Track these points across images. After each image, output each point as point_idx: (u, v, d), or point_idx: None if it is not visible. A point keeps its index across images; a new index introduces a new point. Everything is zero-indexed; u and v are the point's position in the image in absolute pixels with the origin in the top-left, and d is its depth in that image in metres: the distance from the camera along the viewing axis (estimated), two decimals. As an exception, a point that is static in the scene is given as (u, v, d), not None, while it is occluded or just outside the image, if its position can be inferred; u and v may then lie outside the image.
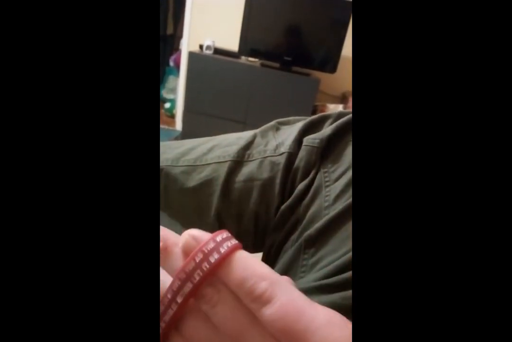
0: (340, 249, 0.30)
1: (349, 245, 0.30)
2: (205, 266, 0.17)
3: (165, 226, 0.37)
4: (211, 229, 0.38)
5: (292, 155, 0.37)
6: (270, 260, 0.36)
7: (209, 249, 0.17)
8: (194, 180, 0.38)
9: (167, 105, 3.24)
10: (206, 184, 0.38)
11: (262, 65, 2.45)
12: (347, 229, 0.31)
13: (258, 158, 0.38)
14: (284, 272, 0.33)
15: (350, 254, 0.28)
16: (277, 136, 0.40)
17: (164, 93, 3.32)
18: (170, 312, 0.17)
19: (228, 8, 2.60)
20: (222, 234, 0.18)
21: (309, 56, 2.44)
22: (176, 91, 3.10)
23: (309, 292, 0.28)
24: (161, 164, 0.39)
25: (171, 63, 3.33)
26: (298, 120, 0.41)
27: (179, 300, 0.17)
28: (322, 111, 2.48)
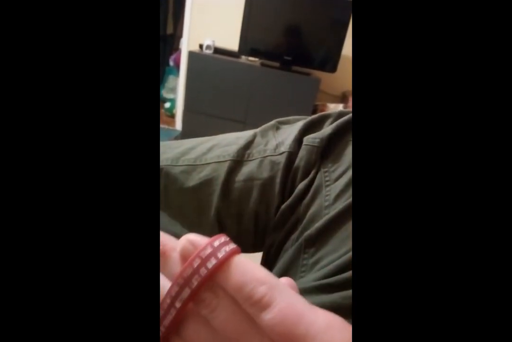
0: (340, 249, 0.30)
1: (349, 244, 0.30)
2: (203, 271, 0.17)
3: (165, 226, 0.37)
4: (211, 229, 0.38)
5: (292, 155, 0.37)
6: (270, 259, 0.36)
7: (206, 254, 0.17)
8: (194, 180, 0.38)
9: (167, 105, 3.24)
10: (206, 184, 0.38)
11: (262, 64, 2.45)
12: (347, 229, 0.31)
13: (258, 158, 0.38)
14: (284, 271, 0.33)
15: (350, 253, 0.28)
16: (277, 136, 0.40)
17: (164, 93, 3.32)
18: (169, 317, 0.17)
19: (228, 7, 2.60)
20: (220, 239, 0.18)
21: (309, 55, 2.44)
22: (176, 91, 3.10)
23: (309, 291, 0.28)
24: (161, 164, 0.39)
25: (171, 63, 3.33)
26: (298, 120, 0.41)
27: (177, 305, 0.17)
28: (322, 110, 2.48)
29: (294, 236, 0.34)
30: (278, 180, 0.36)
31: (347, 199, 0.32)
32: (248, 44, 2.42)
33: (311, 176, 0.36)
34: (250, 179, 0.37)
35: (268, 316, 0.16)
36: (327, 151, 0.36)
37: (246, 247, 0.39)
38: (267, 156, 0.38)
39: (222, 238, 0.18)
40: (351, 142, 0.36)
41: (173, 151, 0.41)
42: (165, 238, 0.20)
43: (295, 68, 2.42)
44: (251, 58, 2.56)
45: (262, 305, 0.16)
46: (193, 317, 0.18)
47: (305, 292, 0.28)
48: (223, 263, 0.17)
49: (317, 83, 2.36)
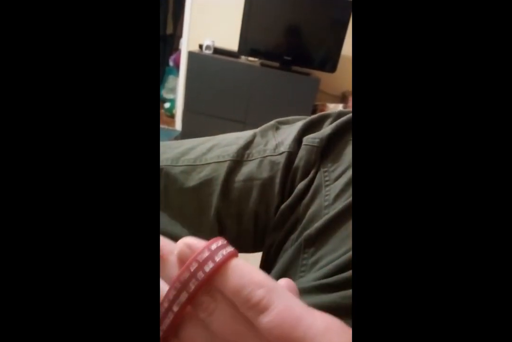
0: (340, 248, 0.30)
1: (349, 244, 0.30)
2: (200, 275, 0.17)
3: (165, 226, 0.37)
4: (211, 229, 0.38)
5: (292, 155, 0.37)
6: (270, 259, 0.36)
7: (203, 258, 0.17)
8: (193, 180, 0.38)
9: (167, 105, 3.24)
10: (206, 184, 0.38)
11: (262, 64, 2.45)
12: (347, 228, 0.31)
13: (257, 158, 0.38)
14: (284, 271, 0.33)
15: (350, 253, 0.28)
16: (277, 136, 0.40)
17: (164, 93, 3.32)
18: (167, 321, 0.17)
19: (228, 8, 2.60)
20: (217, 242, 0.18)
21: (309, 55, 2.44)
22: (176, 91, 3.10)
23: (309, 291, 0.28)
24: (161, 164, 0.39)
25: (171, 63, 3.33)
26: (298, 120, 0.41)
27: (175, 309, 0.17)
28: (322, 110, 2.48)
29: (293, 236, 0.34)
30: (277, 179, 0.36)
31: (346, 199, 0.32)
32: (248, 44, 2.42)
33: (310, 175, 0.36)
34: (249, 179, 0.37)
35: (266, 319, 0.16)
36: (326, 151, 0.36)
37: (246, 247, 0.39)
38: (266, 156, 0.38)
39: (220, 241, 0.18)
40: (350, 142, 0.36)
41: (173, 151, 0.41)
42: (163, 241, 0.20)
43: (295, 68, 2.42)
44: (251, 58, 2.56)
45: (260, 308, 0.16)
46: (191, 320, 0.18)
47: (304, 291, 0.28)
48: (221, 267, 0.17)
49: (316, 83, 2.35)
